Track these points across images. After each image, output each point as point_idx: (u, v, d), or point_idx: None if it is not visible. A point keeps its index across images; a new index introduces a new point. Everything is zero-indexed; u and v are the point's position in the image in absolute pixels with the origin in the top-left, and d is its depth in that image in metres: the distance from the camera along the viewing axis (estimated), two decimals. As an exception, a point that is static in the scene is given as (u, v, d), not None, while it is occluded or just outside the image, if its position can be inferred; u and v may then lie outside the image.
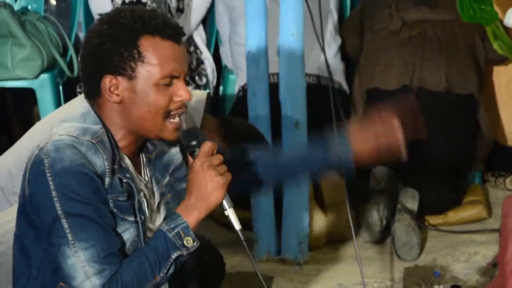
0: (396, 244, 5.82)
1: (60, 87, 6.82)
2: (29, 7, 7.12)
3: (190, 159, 3.53)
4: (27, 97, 7.07)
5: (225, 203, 3.37)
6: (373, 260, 5.88)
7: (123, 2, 7.01)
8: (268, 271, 5.78)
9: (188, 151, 3.59)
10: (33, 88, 6.70)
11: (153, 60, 3.29)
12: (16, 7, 7.03)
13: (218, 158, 3.41)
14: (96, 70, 3.32)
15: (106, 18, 3.61)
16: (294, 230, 5.87)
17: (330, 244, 6.07)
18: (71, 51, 6.83)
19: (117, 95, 3.30)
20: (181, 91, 3.36)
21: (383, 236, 6.03)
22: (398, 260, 5.83)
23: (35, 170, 3.22)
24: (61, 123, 3.37)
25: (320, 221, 6.05)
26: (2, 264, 3.86)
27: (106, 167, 3.23)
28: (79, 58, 3.72)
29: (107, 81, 3.29)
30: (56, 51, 6.61)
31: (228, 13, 6.95)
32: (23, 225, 3.41)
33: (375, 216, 6.02)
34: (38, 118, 6.19)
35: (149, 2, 6.82)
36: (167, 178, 3.66)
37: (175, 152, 3.73)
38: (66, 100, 6.31)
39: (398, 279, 5.72)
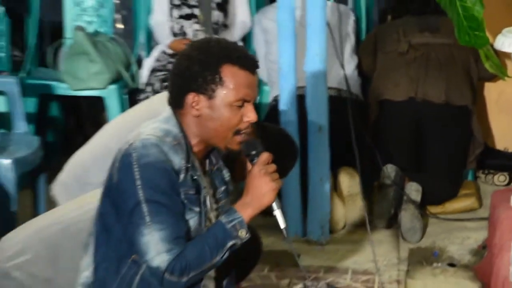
0: (402, 229, 5.78)
1: (125, 96, 6.85)
2: (100, 30, 7.14)
3: (249, 165, 3.61)
4: (98, 104, 7.02)
5: (274, 204, 3.46)
6: (383, 242, 5.85)
7: (180, 16, 6.86)
8: (296, 250, 5.69)
9: (248, 159, 3.66)
10: (103, 97, 6.73)
11: (231, 85, 3.42)
12: (90, 30, 7.01)
13: (272, 167, 3.52)
14: (182, 87, 3.48)
15: (197, 44, 3.81)
16: (317, 216, 5.84)
17: (347, 228, 6.05)
18: (134, 67, 6.84)
19: (197, 110, 3.45)
20: (250, 113, 3.50)
21: (391, 223, 5.97)
22: (403, 242, 5.83)
23: (124, 161, 3.41)
24: (148, 123, 3.56)
25: (339, 209, 6.00)
26: (80, 238, 3.81)
27: (182, 165, 3.39)
28: (169, 75, 3.82)
29: (191, 97, 3.44)
30: (121, 67, 6.67)
31: (263, 36, 6.83)
32: (106, 205, 3.56)
33: (385, 205, 5.98)
34: (106, 122, 6.08)
35: (199, 15, 6.75)
36: (223, 187, 3.81)
37: (226, 171, 3.89)
38: (129, 106, 6.36)
39: (403, 258, 5.67)
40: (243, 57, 3.57)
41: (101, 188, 3.71)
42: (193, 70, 3.49)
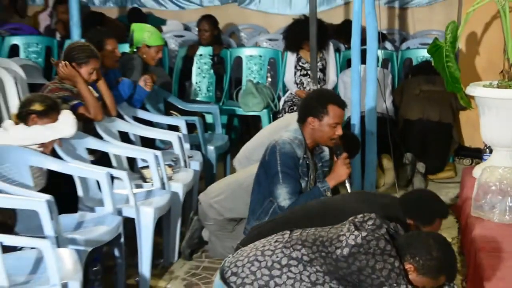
0: (414, 186, 6.58)
1: (271, 115, 7.33)
2: (260, 81, 7.69)
3: (335, 158, 4.70)
4: (257, 119, 7.55)
5: (346, 180, 4.59)
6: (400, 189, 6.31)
7: (300, 75, 7.23)
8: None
9: (335, 155, 4.74)
10: (260, 115, 7.35)
11: (332, 115, 4.37)
12: (255, 81, 7.60)
13: (347, 160, 4.64)
14: (306, 113, 4.47)
15: (313, 92, 5.18)
16: (369, 181, 6.45)
17: (385, 186, 6.69)
18: (276, 100, 7.40)
19: (313, 126, 4.45)
20: (339, 131, 4.44)
21: (408, 185, 6.69)
22: None
23: (272, 150, 4.42)
24: (286, 131, 4.55)
25: (381, 176, 6.71)
26: (248, 187, 4.72)
27: (301, 155, 4.43)
28: (297, 106, 4.82)
29: (310, 119, 4.43)
30: (270, 100, 7.30)
31: (343, 85, 7.27)
32: (261, 171, 4.57)
33: (406, 175, 6.75)
34: (261, 128, 6.77)
35: (310, 75, 6.82)
36: (320, 164, 4.75)
37: (326, 154, 4.80)
38: (272, 121, 7.01)
39: None
40: (339, 99, 4.60)
41: (258, 163, 4.70)
42: (313, 105, 4.49)
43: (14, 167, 4.14)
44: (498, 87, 5.26)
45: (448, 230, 5.32)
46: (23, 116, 4.29)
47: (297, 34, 6.85)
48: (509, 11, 5.43)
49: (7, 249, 3.42)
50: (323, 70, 7.10)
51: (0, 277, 3.21)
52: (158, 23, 8.46)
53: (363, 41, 6.20)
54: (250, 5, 9.52)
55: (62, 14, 8.41)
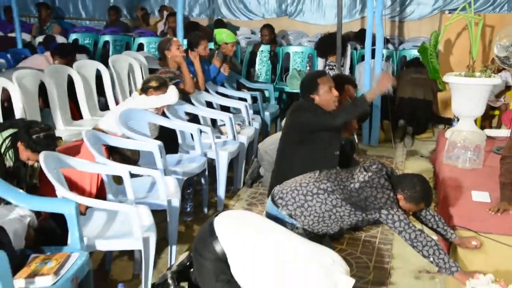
0: (405, 143, 6.51)
1: None
2: (301, 69, 7.42)
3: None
4: (298, 95, 5.28)
5: (355, 137, 4.44)
6: (398, 148, 6.39)
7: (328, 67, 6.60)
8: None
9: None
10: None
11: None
12: (298, 69, 7.41)
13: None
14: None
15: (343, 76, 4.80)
16: (374, 137, 6.48)
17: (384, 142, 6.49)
18: None
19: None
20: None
21: (400, 141, 6.58)
22: (404, 148, 6.40)
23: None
24: None
25: (381, 135, 6.61)
26: (270, 155, 4.62)
27: None
28: None
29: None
30: None
31: (359, 73, 7.00)
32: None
33: (398, 135, 6.63)
34: None
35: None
36: None
37: None
38: None
39: (406, 152, 6.24)
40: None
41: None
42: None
43: (138, 122, 4.17)
44: (465, 76, 5.22)
45: (427, 172, 5.22)
46: (144, 90, 4.30)
47: (325, 48, 6.62)
48: (474, 24, 5.51)
49: (133, 176, 3.48)
50: (343, 65, 6.77)
51: (129, 193, 3.31)
52: (233, 29, 8.43)
53: (373, 43, 6.31)
54: (296, 17, 9.51)
55: (172, 23, 8.51)
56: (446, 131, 5.56)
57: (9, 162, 2.96)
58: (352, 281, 2.45)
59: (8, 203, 2.71)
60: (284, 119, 4.19)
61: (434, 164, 5.42)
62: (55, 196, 2.89)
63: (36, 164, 3.08)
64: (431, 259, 2.79)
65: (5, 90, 4.23)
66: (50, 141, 2.99)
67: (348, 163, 4.29)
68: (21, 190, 2.71)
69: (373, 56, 6.34)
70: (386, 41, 7.58)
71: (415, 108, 6.59)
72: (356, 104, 3.74)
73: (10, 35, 7.81)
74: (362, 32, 7.16)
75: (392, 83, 3.83)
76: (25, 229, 2.67)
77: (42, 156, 2.88)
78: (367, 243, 3.83)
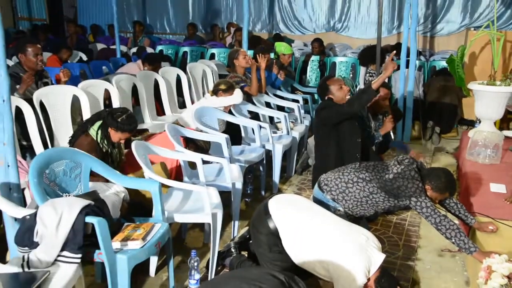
0: (433, 140, 6.19)
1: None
2: (345, 76, 6.94)
3: (385, 119, 4.22)
4: None
5: (391, 132, 4.23)
6: (426, 144, 6.13)
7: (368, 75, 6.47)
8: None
9: (384, 117, 4.33)
10: None
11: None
12: (343, 76, 6.88)
13: (392, 120, 4.17)
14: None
15: None
16: (407, 135, 6.17)
17: (415, 140, 6.26)
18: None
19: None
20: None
21: (429, 139, 6.25)
22: (432, 145, 6.11)
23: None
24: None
25: (412, 133, 6.36)
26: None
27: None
28: None
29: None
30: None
31: (394, 80, 6.71)
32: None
33: (427, 133, 6.28)
34: None
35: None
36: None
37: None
38: None
39: (433, 148, 5.98)
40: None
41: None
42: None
43: (209, 118, 4.17)
44: (487, 84, 5.00)
45: (451, 166, 5.06)
46: (215, 91, 4.32)
47: (366, 58, 6.38)
48: (496, 40, 5.31)
49: (205, 162, 3.45)
50: (381, 73, 6.65)
51: (201, 176, 3.28)
52: (289, 42, 8.41)
53: (408, 55, 6.14)
54: (342, 32, 9.32)
55: (238, 36, 8.51)
56: (469, 131, 5.39)
57: (104, 148, 3.02)
58: (383, 256, 2.44)
59: (107, 181, 2.76)
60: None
61: (457, 159, 5.25)
62: (137, 169, 2.98)
63: (122, 145, 3.12)
64: (453, 240, 2.73)
65: (106, 91, 4.31)
66: (132, 120, 2.98)
67: (385, 150, 4.68)
68: (117, 171, 2.73)
69: (407, 66, 6.17)
70: (419, 53, 7.40)
71: (442, 111, 6.31)
72: (364, 91, 3.57)
73: (111, 47, 8.03)
74: (399, 45, 6.97)
75: (395, 67, 3.65)
76: (120, 202, 2.71)
77: (133, 144, 2.93)
78: (398, 225, 3.78)
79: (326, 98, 3.80)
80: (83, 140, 2.93)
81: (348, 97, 3.74)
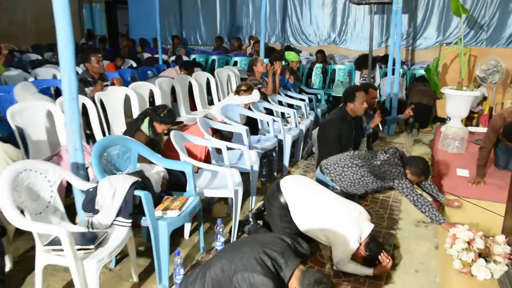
0: (413, 135, 6.00)
1: None
2: (343, 80, 6.98)
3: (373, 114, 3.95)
4: (340, 99, 6.10)
5: (380, 125, 3.88)
6: (408, 136, 5.92)
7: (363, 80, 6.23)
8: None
9: (373, 112, 4.08)
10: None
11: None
12: (341, 80, 6.92)
13: (380, 115, 3.83)
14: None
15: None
16: (392, 128, 5.97)
17: (398, 133, 6.05)
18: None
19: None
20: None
21: (410, 132, 6.07)
22: (411, 136, 5.94)
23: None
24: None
25: (396, 127, 6.11)
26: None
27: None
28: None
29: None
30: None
31: (383, 85, 6.51)
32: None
33: (409, 127, 6.10)
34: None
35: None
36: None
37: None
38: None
39: (413, 140, 5.76)
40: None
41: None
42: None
43: (233, 113, 4.10)
44: (456, 89, 4.94)
45: (427, 155, 4.95)
46: (237, 91, 4.24)
47: (360, 64, 6.32)
48: (463, 54, 5.20)
49: (229, 148, 3.43)
50: (373, 78, 6.42)
51: (226, 160, 3.27)
52: (298, 52, 8.18)
53: (393, 64, 6.06)
54: (340, 45, 9.04)
55: (256, 47, 8.32)
56: (441, 127, 5.25)
57: (152, 138, 3.02)
58: (372, 225, 2.49)
59: (151, 162, 2.75)
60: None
61: (432, 149, 5.14)
62: (174, 153, 2.97)
63: (162, 134, 3.10)
64: (427, 214, 2.70)
65: (151, 91, 4.33)
66: (172, 113, 2.98)
67: (375, 139, 4.70)
68: (159, 155, 2.72)
69: (393, 73, 6.10)
70: (402, 63, 7.34)
71: (421, 110, 6.05)
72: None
73: (155, 56, 7.97)
74: (386, 56, 6.95)
75: (380, 119, 3.71)
76: (161, 180, 2.69)
77: (172, 134, 2.94)
78: (384, 201, 3.72)
79: (346, 102, 3.54)
80: (140, 137, 2.94)
81: (362, 111, 3.53)
